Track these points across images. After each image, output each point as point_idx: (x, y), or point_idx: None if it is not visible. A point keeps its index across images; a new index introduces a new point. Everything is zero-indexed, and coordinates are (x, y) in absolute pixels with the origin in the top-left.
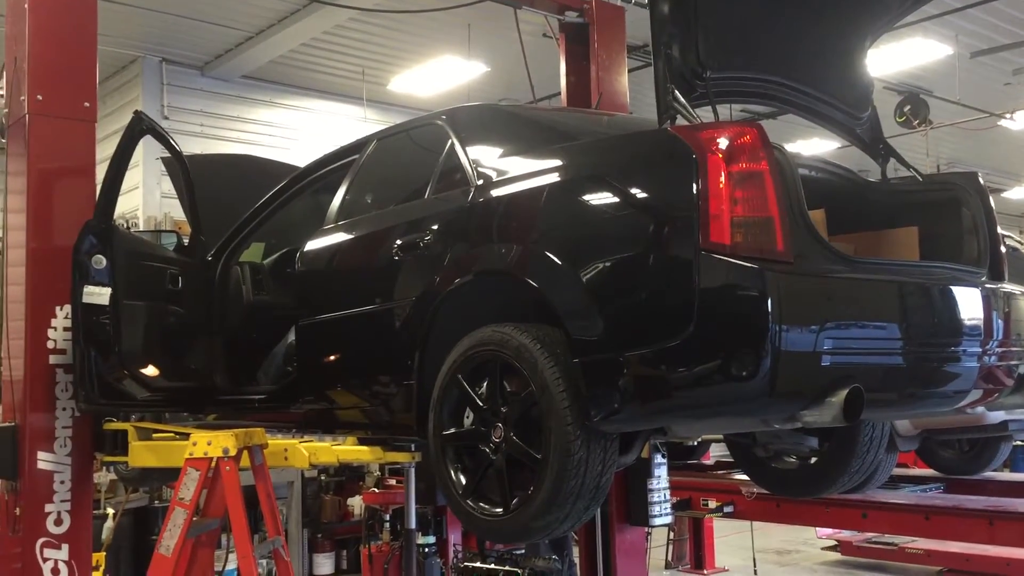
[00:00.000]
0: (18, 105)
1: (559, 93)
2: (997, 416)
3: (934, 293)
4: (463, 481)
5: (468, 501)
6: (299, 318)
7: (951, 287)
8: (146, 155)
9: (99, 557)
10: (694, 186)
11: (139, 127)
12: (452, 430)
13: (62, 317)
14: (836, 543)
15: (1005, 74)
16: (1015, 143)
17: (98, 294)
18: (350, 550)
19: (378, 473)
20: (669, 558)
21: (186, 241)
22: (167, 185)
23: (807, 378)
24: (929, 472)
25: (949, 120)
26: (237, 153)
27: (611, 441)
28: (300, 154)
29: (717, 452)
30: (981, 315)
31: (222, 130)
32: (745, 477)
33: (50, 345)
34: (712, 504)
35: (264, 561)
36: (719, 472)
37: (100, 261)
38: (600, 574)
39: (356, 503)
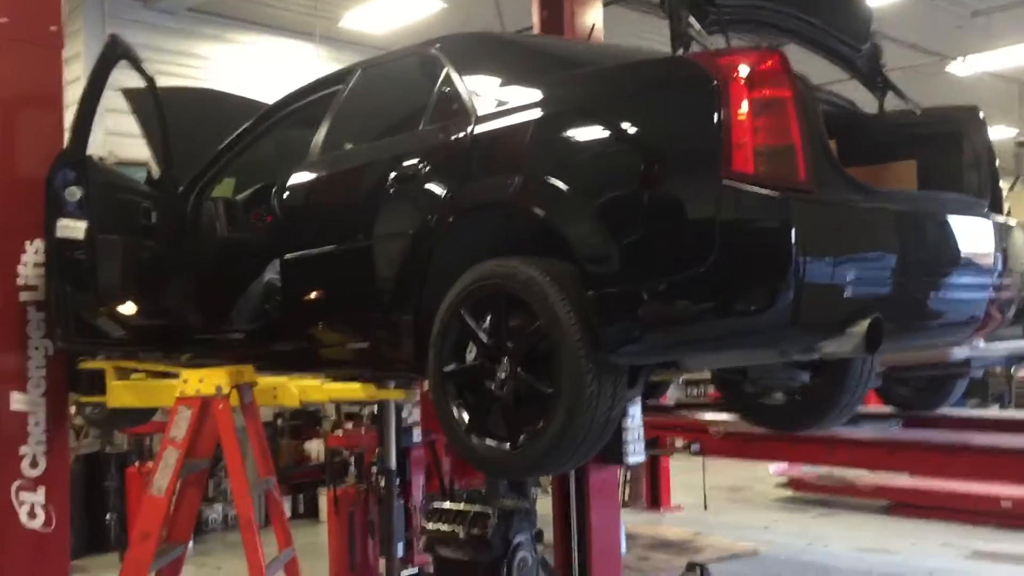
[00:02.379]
0: None
1: (529, 28)
2: (961, 353)
3: (949, 223)
4: (466, 418)
5: (472, 437)
6: (283, 253)
7: (965, 217)
8: None
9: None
10: (715, 114)
11: (114, 52)
12: (454, 366)
13: (32, 252)
14: (788, 480)
15: (959, 17)
16: (961, 89)
17: (73, 228)
18: (307, 494)
19: (335, 417)
20: (625, 497)
21: (156, 176)
22: (111, 121)
23: (829, 309)
24: (886, 409)
25: (898, 64)
26: (202, 87)
27: (621, 374)
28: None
29: (675, 394)
30: (992, 245)
31: (167, 65)
32: (710, 416)
33: (20, 282)
34: (679, 443)
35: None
36: (682, 412)
37: (74, 193)
38: (574, 513)
39: (313, 447)
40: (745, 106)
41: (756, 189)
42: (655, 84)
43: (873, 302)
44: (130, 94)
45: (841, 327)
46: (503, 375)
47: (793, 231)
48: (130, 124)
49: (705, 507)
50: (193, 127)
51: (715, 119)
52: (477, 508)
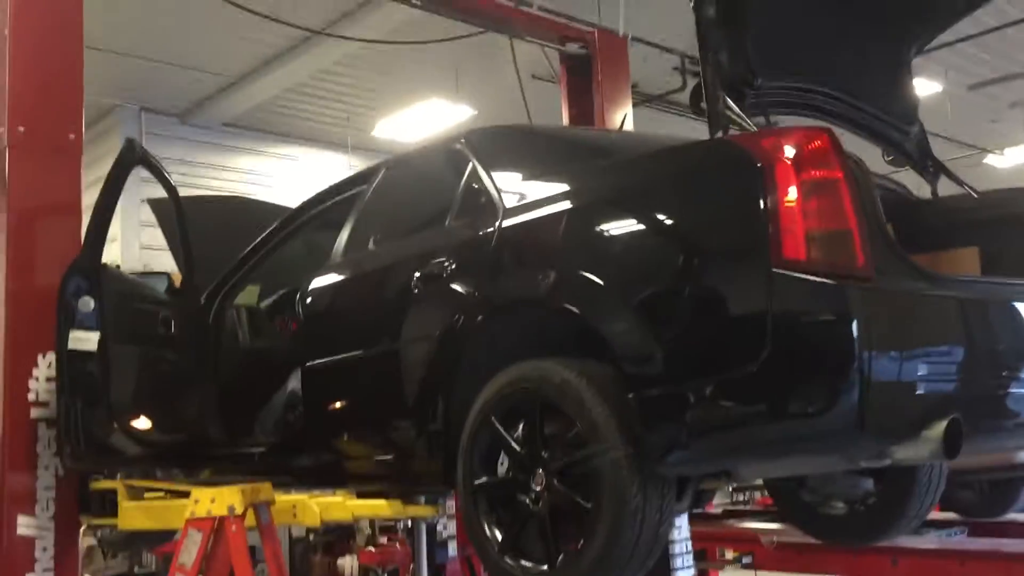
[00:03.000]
0: None
1: None
2: None
3: (1021, 312)
4: (499, 536)
5: (506, 558)
6: (305, 361)
7: None
8: (125, 205)
9: None
10: (761, 198)
11: (131, 156)
12: (485, 479)
13: (45, 367)
14: None
15: (993, 111)
16: (1000, 180)
17: (85, 339)
18: None
19: (369, 531)
20: None
21: (177, 284)
22: (147, 236)
23: (900, 409)
24: (950, 515)
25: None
26: (227, 195)
27: (669, 486)
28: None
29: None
30: None
31: (203, 179)
32: (761, 525)
33: (31, 397)
34: (730, 555)
35: None
36: (729, 521)
37: (88, 303)
38: None
39: (346, 563)
40: (794, 188)
41: (810, 277)
42: (694, 169)
43: (949, 400)
44: (154, 204)
45: (915, 430)
46: (538, 488)
47: (854, 322)
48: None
49: None
50: (217, 235)
51: (762, 203)
52: None
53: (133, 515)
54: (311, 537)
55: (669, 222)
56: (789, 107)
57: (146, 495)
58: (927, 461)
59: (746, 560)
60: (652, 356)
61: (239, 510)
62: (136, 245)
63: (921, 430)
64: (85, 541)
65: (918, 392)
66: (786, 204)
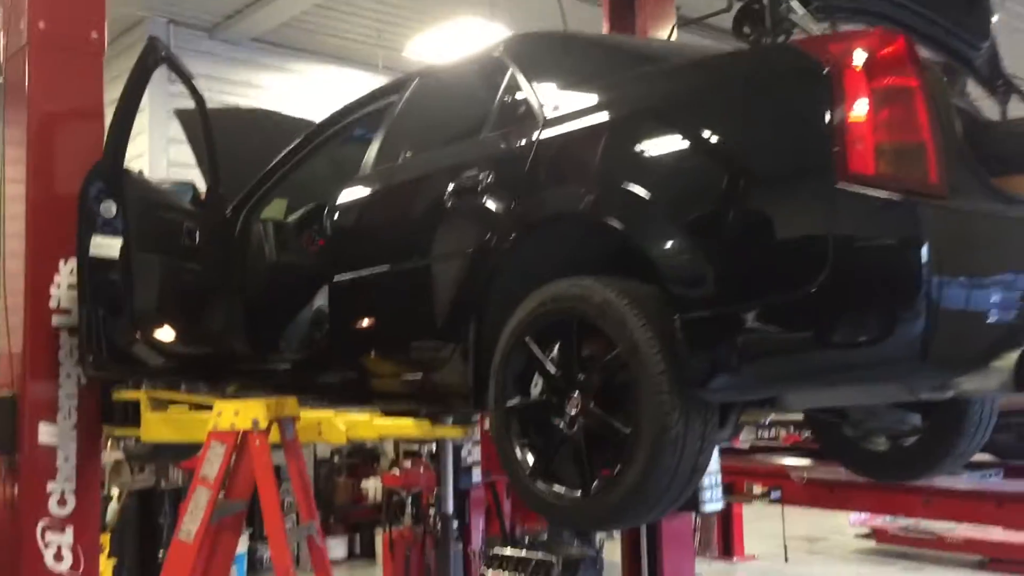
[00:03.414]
0: (17, 34)
1: None
2: None
3: None
4: (531, 460)
5: (538, 483)
6: (332, 276)
7: None
8: (152, 120)
9: (103, 539)
10: (828, 107)
11: (154, 56)
12: (517, 400)
13: (66, 273)
14: (870, 531)
15: None
16: None
17: (107, 246)
18: (364, 534)
19: (392, 455)
20: (696, 545)
21: (202, 195)
22: (174, 152)
23: (969, 339)
24: (985, 457)
25: None
26: (254, 107)
27: (711, 413)
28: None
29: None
30: None
31: (231, 96)
32: (790, 461)
33: (53, 304)
34: (758, 489)
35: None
36: (757, 456)
37: (110, 208)
38: (644, 564)
39: (370, 486)
40: (864, 97)
41: (878, 193)
42: (754, 75)
43: (1021, 330)
44: (181, 115)
45: (984, 360)
46: (573, 411)
47: (924, 244)
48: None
49: (786, 559)
50: (244, 148)
51: (828, 113)
52: (540, 556)
53: (156, 426)
54: (335, 459)
55: (724, 133)
56: (857, 14)
57: (170, 407)
58: (994, 394)
59: (775, 495)
60: (701, 276)
61: (263, 424)
62: (163, 161)
63: (990, 361)
64: (112, 454)
65: (989, 321)
66: (854, 114)
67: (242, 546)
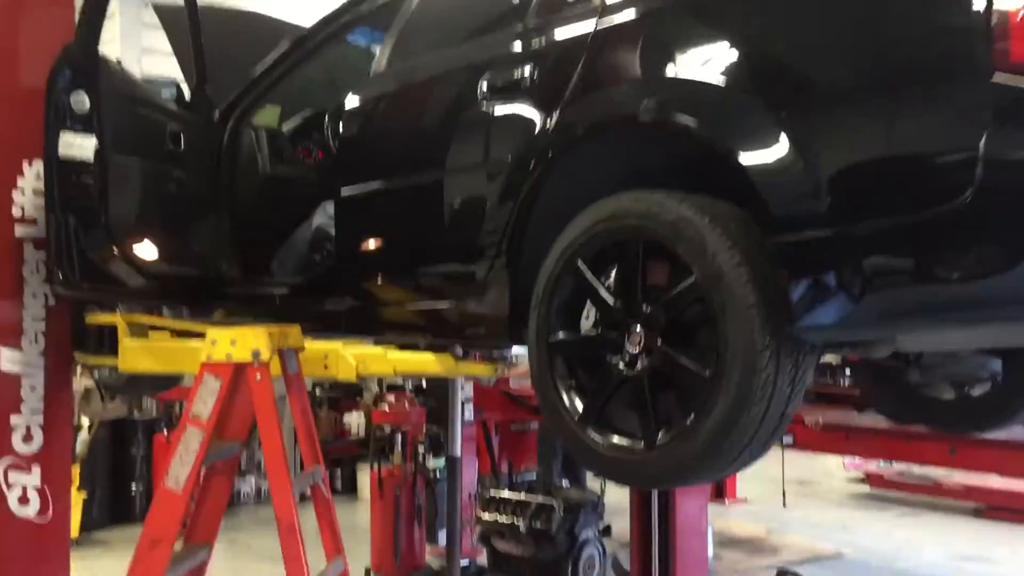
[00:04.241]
0: None
1: None
2: None
3: None
4: (579, 405)
5: (589, 431)
6: (338, 190)
7: None
8: (124, 30)
9: (73, 471)
10: None
11: None
12: (563, 335)
13: (32, 177)
14: (864, 475)
15: None
16: None
17: (79, 145)
18: (345, 470)
19: (376, 390)
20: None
21: (187, 95)
22: (148, 63)
23: None
24: None
25: None
26: (243, 9)
27: (805, 354)
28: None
29: None
30: None
31: None
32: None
33: (16, 212)
34: None
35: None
36: None
37: (82, 101)
38: (655, 507)
39: (352, 420)
40: None
41: None
42: None
43: None
44: (161, 10)
45: None
46: (635, 349)
47: None
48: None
49: (784, 504)
50: (231, 53)
51: None
52: (540, 499)
53: (135, 355)
54: (317, 392)
55: (841, 13)
56: None
57: (151, 334)
58: None
59: (787, 440)
60: (812, 189)
61: (265, 356)
62: (136, 72)
63: None
64: (82, 382)
65: None
66: None
67: None
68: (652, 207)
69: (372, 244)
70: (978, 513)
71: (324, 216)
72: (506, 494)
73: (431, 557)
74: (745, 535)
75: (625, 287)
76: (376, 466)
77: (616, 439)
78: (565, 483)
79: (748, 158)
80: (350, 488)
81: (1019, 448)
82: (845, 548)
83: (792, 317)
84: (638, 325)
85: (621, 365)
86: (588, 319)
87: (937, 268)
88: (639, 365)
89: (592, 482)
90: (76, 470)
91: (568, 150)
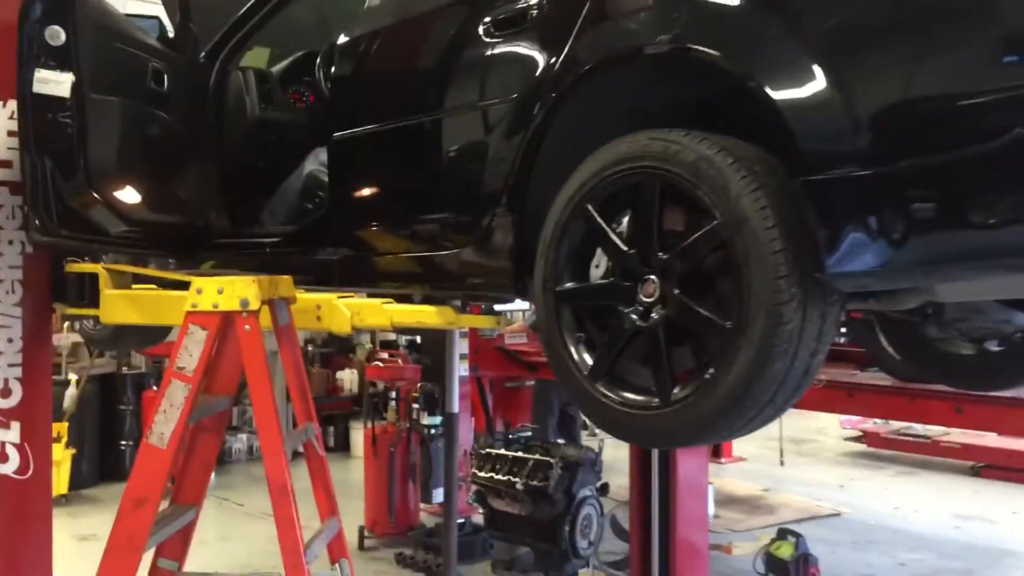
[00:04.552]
0: None
1: None
2: None
3: None
4: (589, 359)
5: (599, 387)
6: (332, 133)
7: None
8: None
9: (60, 428)
10: None
11: None
12: (572, 284)
13: (5, 117)
14: (861, 434)
15: None
16: None
17: (55, 82)
18: (338, 427)
19: (369, 345)
20: None
21: (171, 32)
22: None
23: None
24: None
25: None
26: None
27: (834, 304)
28: None
29: None
30: None
31: None
32: None
33: None
34: None
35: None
36: None
37: (57, 35)
38: (655, 465)
39: (345, 377)
40: None
41: None
42: None
43: None
44: None
45: None
46: (649, 299)
47: None
48: None
49: (782, 462)
50: None
51: None
52: (537, 456)
53: (118, 306)
54: (309, 348)
55: None
56: None
57: (134, 286)
58: None
59: None
60: (847, 126)
61: (254, 305)
62: None
63: None
64: (70, 337)
65: None
66: None
67: None
68: (670, 147)
69: (367, 190)
70: (975, 472)
71: (316, 163)
72: (502, 451)
73: (426, 516)
74: (742, 494)
75: (639, 233)
76: (370, 424)
77: (628, 395)
78: (560, 441)
79: (779, 93)
80: (343, 446)
81: None
82: (843, 507)
83: (821, 264)
84: (653, 273)
85: (634, 316)
86: (598, 267)
87: (984, 211)
88: (653, 316)
89: (587, 440)
90: (64, 427)
91: (577, 88)
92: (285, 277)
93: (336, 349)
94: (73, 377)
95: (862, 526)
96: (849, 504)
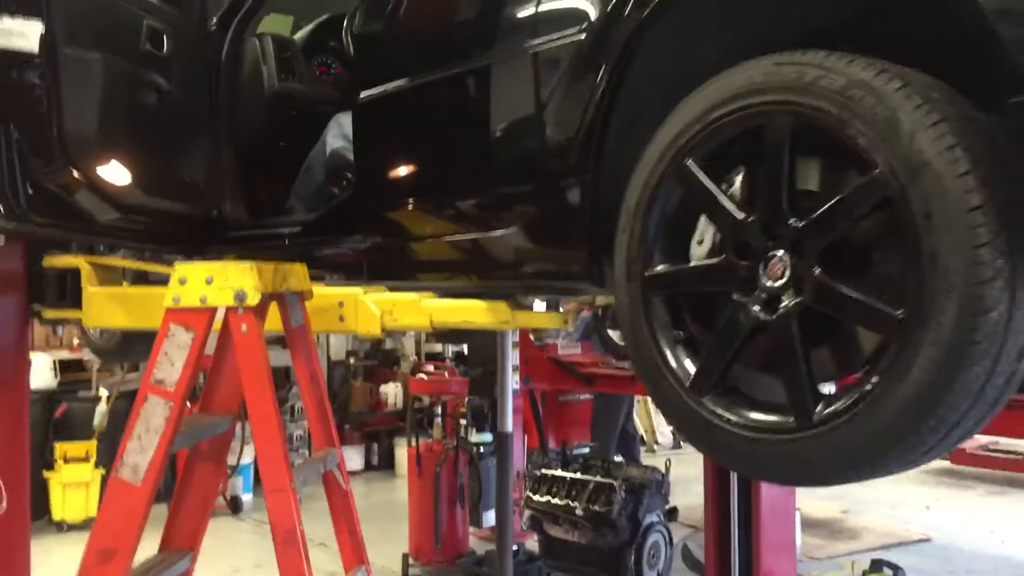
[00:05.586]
0: None
1: None
2: None
3: None
4: (690, 366)
5: (706, 402)
6: (359, 93)
7: None
8: None
9: (89, 447)
10: None
11: None
12: (667, 267)
13: None
14: None
15: None
16: None
17: (19, 32)
18: (382, 444)
19: (415, 358)
20: None
21: None
22: None
23: None
24: None
25: None
26: None
27: None
28: None
29: None
30: None
31: None
32: None
33: None
34: None
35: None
36: None
37: None
38: (735, 489)
39: (390, 391)
40: None
41: None
42: None
43: None
44: None
45: None
46: (777, 282)
47: None
48: None
49: None
50: None
51: None
52: (598, 478)
53: (102, 307)
54: (352, 361)
55: None
56: None
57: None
58: None
59: None
60: None
61: (252, 299)
62: None
63: None
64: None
65: None
66: None
67: (248, 454)
68: (807, 72)
69: (400, 162)
70: None
71: (340, 138)
72: (559, 472)
73: (475, 541)
74: (820, 516)
75: (763, 194)
76: (414, 441)
77: (750, 414)
78: (620, 459)
79: None
80: (387, 463)
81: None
82: (932, 531)
83: None
84: (782, 249)
85: (755, 307)
86: (703, 243)
87: None
88: (783, 306)
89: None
90: (92, 445)
91: (667, 7)
92: (298, 266)
93: (380, 362)
94: (104, 393)
95: (957, 553)
96: (938, 528)
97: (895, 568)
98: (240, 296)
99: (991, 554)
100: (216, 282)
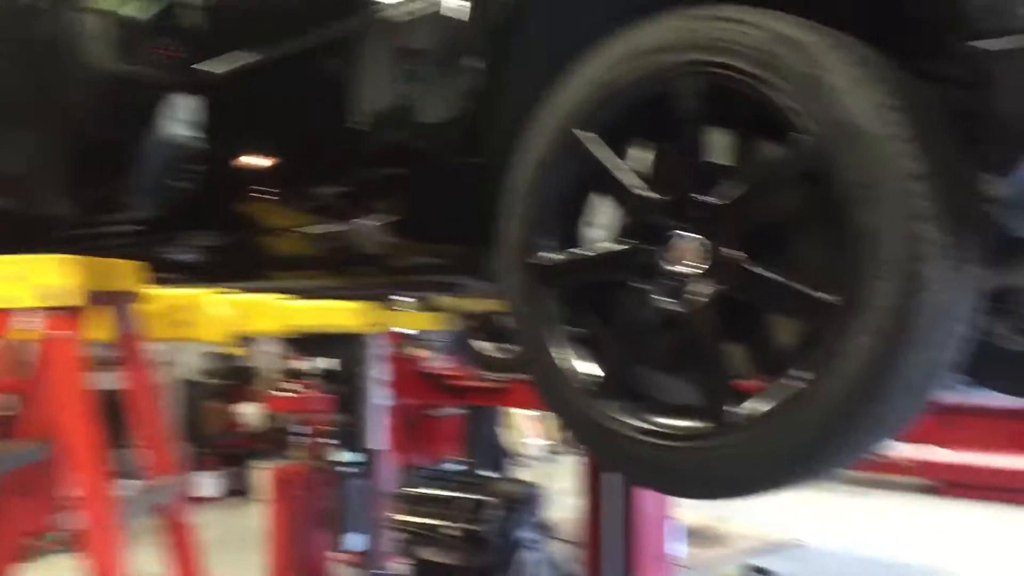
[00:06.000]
0: None
1: None
2: None
3: None
4: (588, 366)
5: (608, 407)
6: (192, 68)
7: None
8: None
9: None
10: None
11: None
12: (561, 255)
13: None
14: None
15: None
16: None
17: None
18: (238, 469)
19: (273, 374)
20: None
21: None
22: None
23: None
24: None
25: None
26: None
27: (1001, 263)
28: None
29: None
30: None
31: None
32: None
33: None
34: None
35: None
36: None
37: None
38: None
39: (247, 411)
40: None
41: None
42: None
43: None
44: None
45: None
46: (691, 268)
47: None
48: None
49: None
50: None
51: None
52: (467, 495)
53: None
54: (205, 380)
55: None
56: None
57: None
58: None
59: None
60: None
61: (65, 298)
62: None
63: None
64: None
65: None
66: None
67: None
68: (727, 28)
69: (255, 147)
70: (932, 490)
71: (179, 124)
72: (420, 490)
73: (338, 567)
74: (694, 524)
75: (672, 170)
76: (274, 464)
77: (656, 419)
78: (491, 474)
79: None
80: (244, 490)
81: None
82: (804, 535)
83: (989, 195)
84: (696, 231)
85: (664, 297)
86: (600, 226)
87: None
88: (696, 295)
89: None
90: None
91: None
92: (125, 262)
93: (236, 380)
94: None
95: (829, 556)
96: (807, 531)
97: (766, 572)
98: (50, 294)
99: (860, 556)
100: (21, 277)
